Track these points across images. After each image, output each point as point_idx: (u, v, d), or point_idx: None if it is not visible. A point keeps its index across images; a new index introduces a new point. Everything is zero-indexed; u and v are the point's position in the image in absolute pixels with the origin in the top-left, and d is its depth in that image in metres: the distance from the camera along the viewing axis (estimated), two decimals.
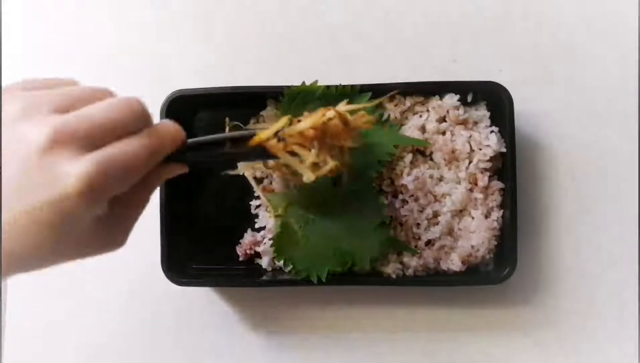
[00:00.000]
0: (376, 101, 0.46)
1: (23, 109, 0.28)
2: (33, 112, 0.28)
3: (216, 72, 0.53)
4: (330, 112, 0.39)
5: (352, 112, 0.41)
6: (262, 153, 0.38)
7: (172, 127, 0.33)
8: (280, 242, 0.47)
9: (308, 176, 0.39)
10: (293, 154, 0.39)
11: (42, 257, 0.28)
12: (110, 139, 0.29)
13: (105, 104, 0.29)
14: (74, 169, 0.27)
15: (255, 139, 0.37)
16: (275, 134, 0.38)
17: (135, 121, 0.30)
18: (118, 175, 0.28)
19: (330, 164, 0.39)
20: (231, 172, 0.49)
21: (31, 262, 0.28)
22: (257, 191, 0.49)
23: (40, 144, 0.27)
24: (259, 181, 0.50)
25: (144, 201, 0.33)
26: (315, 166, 0.39)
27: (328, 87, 0.47)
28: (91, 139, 0.28)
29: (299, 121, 0.39)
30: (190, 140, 0.34)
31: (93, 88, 0.31)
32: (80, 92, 0.30)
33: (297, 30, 0.54)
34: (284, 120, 0.39)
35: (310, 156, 0.39)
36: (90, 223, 0.29)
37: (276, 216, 0.48)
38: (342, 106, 0.41)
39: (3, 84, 0.28)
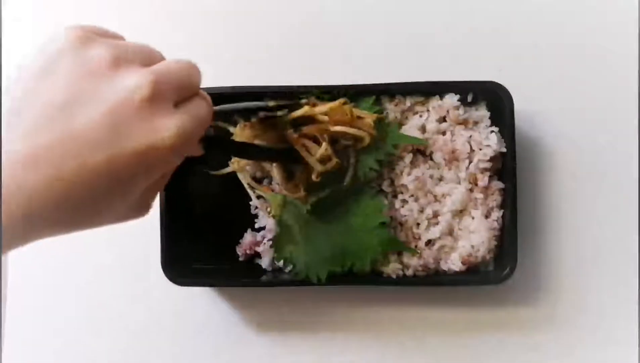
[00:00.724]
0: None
1: (113, 57, 0.27)
2: (126, 62, 0.28)
3: (216, 72, 0.53)
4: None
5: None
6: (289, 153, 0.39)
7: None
8: (280, 242, 0.47)
9: (316, 168, 0.44)
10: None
11: (93, 212, 0.28)
12: (187, 96, 0.30)
13: (183, 63, 0.30)
14: (170, 123, 0.27)
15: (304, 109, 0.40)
16: (294, 123, 0.42)
17: (199, 82, 0.31)
18: (198, 132, 0.30)
19: (335, 160, 0.45)
20: (216, 172, 0.49)
21: (77, 218, 0.28)
22: (252, 194, 0.49)
23: (143, 93, 0.27)
24: (259, 181, 0.50)
25: (171, 172, 0.34)
26: (322, 160, 0.44)
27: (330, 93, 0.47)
28: (180, 95, 0.29)
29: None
30: (217, 108, 0.35)
31: (150, 48, 0.31)
32: (149, 48, 0.31)
33: (298, 30, 0.53)
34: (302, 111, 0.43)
35: (319, 150, 0.44)
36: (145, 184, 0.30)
37: (273, 216, 0.48)
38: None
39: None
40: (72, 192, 0.25)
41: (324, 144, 0.44)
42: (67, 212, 0.26)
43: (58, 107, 0.26)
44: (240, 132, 0.44)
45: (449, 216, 0.48)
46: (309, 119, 0.44)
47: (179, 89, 0.29)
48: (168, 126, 0.27)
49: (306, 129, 0.44)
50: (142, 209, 0.32)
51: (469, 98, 0.49)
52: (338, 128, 0.45)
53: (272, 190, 0.49)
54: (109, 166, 0.26)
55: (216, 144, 0.39)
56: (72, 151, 0.25)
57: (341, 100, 0.46)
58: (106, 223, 0.30)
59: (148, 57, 0.29)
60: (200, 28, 0.54)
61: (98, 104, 0.26)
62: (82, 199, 0.26)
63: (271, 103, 0.40)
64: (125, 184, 0.27)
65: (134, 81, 0.27)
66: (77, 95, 0.26)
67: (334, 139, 0.46)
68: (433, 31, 0.53)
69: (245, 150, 0.43)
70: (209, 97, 0.32)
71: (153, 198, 0.33)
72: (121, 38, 0.31)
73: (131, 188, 0.28)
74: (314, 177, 0.45)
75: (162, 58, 0.31)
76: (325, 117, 0.44)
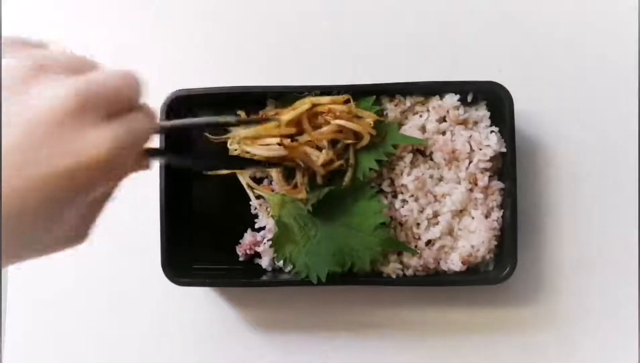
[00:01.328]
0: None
1: (30, 68, 0.25)
2: (46, 72, 0.25)
3: (216, 72, 0.53)
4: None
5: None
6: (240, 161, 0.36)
7: (152, 108, 0.31)
8: (280, 242, 0.47)
9: (319, 172, 0.45)
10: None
11: (30, 240, 0.26)
12: (120, 109, 0.27)
13: (117, 74, 0.27)
14: (99, 138, 0.25)
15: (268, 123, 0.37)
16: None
17: (138, 95, 0.29)
18: (132, 149, 0.27)
19: (338, 162, 0.46)
20: (212, 172, 0.49)
21: (19, 248, 0.25)
22: (251, 195, 0.49)
23: (66, 105, 0.24)
24: (259, 181, 0.50)
25: (111, 193, 0.31)
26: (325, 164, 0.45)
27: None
28: (113, 107, 0.26)
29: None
30: (173, 122, 0.33)
31: (80, 56, 0.28)
32: (80, 57, 0.28)
33: (298, 30, 0.53)
34: (307, 104, 0.45)
35: (322, 156, 0.45)
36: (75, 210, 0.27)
37: (272, 216, 0.48)
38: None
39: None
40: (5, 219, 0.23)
41: (325, 151, 0.45)
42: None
43: None
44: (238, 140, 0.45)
45: (449, 216, 0.48)
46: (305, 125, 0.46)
47: (111, 101, 0.26)
48: (98, 141, 0.25)
49: (302, 139, 0.45)
50: (78, 236, 0.29)
51: (469, 98, 0.49)
52: (339, 122, 0.45)
53: (272, 190, 0.49)
54: (37, 186, 0.24)
55: (165, 156, 0.37)
56: None
57: (344, 96, 0.46)
58: (42, 252, 0.27)
59: (76, 67, 0.27)
60: (200, 28, 0.54)
61: (16, 123, 0.23)
62: (14, 226, 0.24)
63: (231, 119, 0.35)
64: (59, 205, 0.25)
65: (55, 93, 0.24)
66: None
67: (333, 141, 0.46)
68: (433, 31, 0.53)
69: (201, 162, 0.41)
70: (152, 111, 0.29)
71: (93, 222, 0.30)
72: (44, 47, 0.28)
73: (67, 209, 0.26)
74: (319, 180, 0.46)
75: (95, 67, 0.28)
76: (327, 107, 0.45)
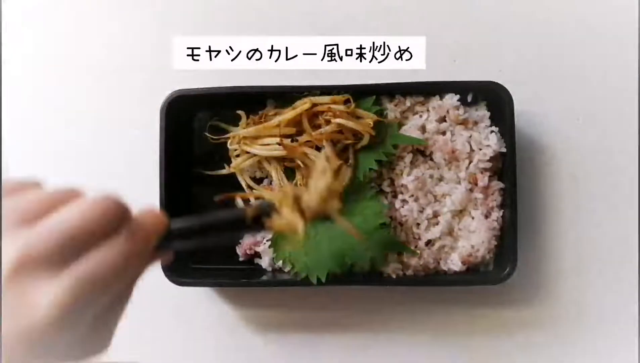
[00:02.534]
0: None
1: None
2: (4, 230, 0.24)
3: (216, 72, 0.53)
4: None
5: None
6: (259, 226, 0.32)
7: (152, 216, 0.29)
8: (279, 242, 0.47)
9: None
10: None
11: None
12: (85, 249, 0.25)
13: (76, 210, 0.25)
14: (45, 298, 0.23)
15: (275, 223, 0.32)
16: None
17: (110, 224, 0.26)
18: (96, 291, 0.25)
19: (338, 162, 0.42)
20: (214, 173, 0.49)
21: None
22: (249, 196, 0.49)
23: (7, 267, 0.23)
24: (259, 181, 0.50)
25: (127, 297, 0.30)
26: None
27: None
28: (64, 254, 0.24)
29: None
30: (174, 226, 0.31)
31: (60, 191, 0.27)
32: (47, 196, 0.26)
33: (297, 30, 0.53)
34: (307, 103, 0.46)
35: (321, 157, 0.41)
36: (72, 337, 0.26)
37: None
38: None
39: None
40: None
41: (325, 150, 0.43)
42: None
43: None
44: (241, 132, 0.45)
45: (449, 216, 0.48)
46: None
47: (64, 249, 0.24)
48: (39, 303, 0.23)
49: (302, 139, 0.46)
50: (101, 347, 0.29)
51: (469, 98, 0.49)
52: (339, 121, 0.45)
53: (272, 190, 0.49)
54: (9, 343, 0.23)
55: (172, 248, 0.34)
56: None
57: (344, 96, 0.46)
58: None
59: (33, 211, 0.25)
60: (201, 28, 0.54)
61: None
62: None
63: (248, 212, 0.32)
64: (47, 348, 0.24)
65: (6, 251, 0.24)
66: None
67: (333, 142, 0.46)
68: (433, 31, 0.53)
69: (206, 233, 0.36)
70: (141, 233, 0.27)
71: (111, 332, 0.30)
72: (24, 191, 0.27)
73: (52, 348, 0.25)
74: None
75: (52, 206, 0.26)
76: (327, 106, 0.45)
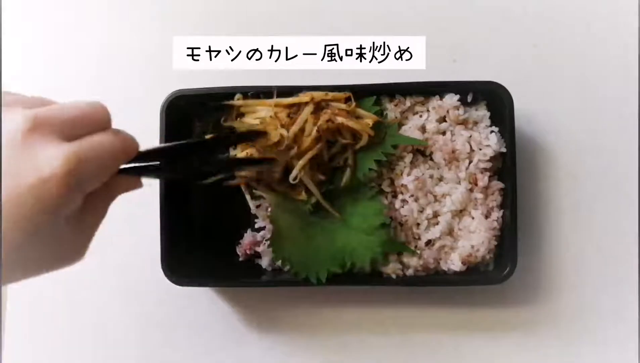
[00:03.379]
0: None
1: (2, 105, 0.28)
2: (11, 107, 0.28)
3: (216, 72, 0.53)
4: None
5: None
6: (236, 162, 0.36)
7: (124, 134, 0.32)
8: (277, 242, 0.47)
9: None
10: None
11: (15, 260, 0.27)
12: (84, 132, 0.29)
13: (74, 102, 0.30)
14: (57, 152, 0.27)
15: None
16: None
17: (103, 120, 0.31)
18: (96, 165, 0.29)
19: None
20: (229, 183, 0.49)
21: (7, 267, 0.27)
22: (247, 196, 0.49)
23: (21, 127, 0.27)
24: (259, 181, 0.50)
25: (102, 213, 0.32)
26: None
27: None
28: (68, 129, 0.28)
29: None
30: (143, 150, 0.33)
31: (42, 98, 0.31)
32: (39, 99, 0.30)
33: (297, 30, 0.53)
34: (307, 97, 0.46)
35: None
36: (58, 227, 0.29)
37: (269, 216, 0.48)
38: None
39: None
40: None
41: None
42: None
43: None
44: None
45: (449, 216, 0.48)
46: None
47: (69, 125, 0.28)
48: (53, 157, 0.26)
49: (299, 140, 0.45)
50: (74, 255, 0.31)
51: (469, 98, 0.49)
52: (338, 119, 0.45)
53: (272, 190, 0.48)
54: (6, 206, 0.26)
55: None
56: None
57: (346, 93, 0.46)
58: (36, 271, 0.30)
59: (37, 104, 0.29)
60: (201, 28, 0.54)
61: None
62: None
63: (208, 136, 0.36)
64: (31, 223, 0.26)
65: (15, 119, 0.27)
66: None
67: (331, 143, 0.46)
68: (433, 31, 0.53)
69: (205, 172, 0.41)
70: (124, 136, 0.31)
71: (87, 240, 0.32)
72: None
73: (43, 227, 0.27)
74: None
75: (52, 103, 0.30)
76: (327, 102, 0.45)
